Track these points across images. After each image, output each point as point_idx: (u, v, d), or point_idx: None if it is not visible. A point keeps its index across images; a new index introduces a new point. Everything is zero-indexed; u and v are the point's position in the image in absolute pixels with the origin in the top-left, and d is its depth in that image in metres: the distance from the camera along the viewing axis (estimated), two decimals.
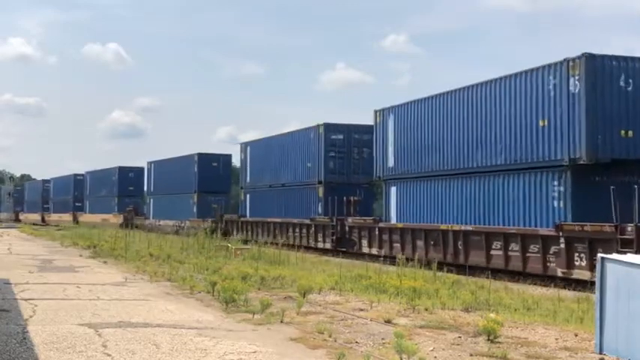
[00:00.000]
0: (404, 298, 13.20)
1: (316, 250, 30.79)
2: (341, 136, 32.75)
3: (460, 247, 22.46)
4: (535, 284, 18.48)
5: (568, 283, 17.94)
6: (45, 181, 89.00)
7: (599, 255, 8.83)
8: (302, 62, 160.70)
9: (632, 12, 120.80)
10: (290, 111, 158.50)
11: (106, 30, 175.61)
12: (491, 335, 9.23)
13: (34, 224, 70.84)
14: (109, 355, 7.96)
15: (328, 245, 30.70)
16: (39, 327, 9.65)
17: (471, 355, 8.38)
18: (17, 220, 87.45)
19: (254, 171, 41.22)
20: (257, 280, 15.86)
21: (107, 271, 18.88)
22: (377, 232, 27.49)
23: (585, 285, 16.11)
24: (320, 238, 31.75)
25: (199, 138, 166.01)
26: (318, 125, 32.99)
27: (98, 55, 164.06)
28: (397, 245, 25.86)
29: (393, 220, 27.15)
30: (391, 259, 22.53)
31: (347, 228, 29.68)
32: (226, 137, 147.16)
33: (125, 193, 64.00)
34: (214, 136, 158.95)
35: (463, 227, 22.56)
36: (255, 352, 8.28)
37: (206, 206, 46.73)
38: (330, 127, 32.86)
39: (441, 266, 19.05)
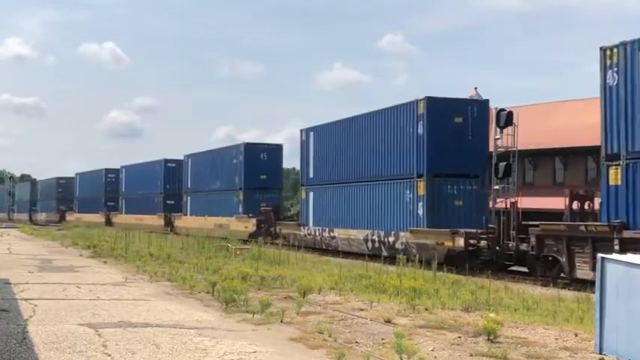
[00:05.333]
0: (404, 298, 13.20)
1: None
2: None
3: None
4: (535, 284, 18.49)
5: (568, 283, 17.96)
6: (109, 171, 65.95)
7: (599, 255, 8.83)
8: (300, 62, 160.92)
9: (631, 11, 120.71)
10: (289, 110, 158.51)
11: (104, 30, 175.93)
12: (491, 335, 9.24)
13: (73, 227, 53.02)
14: (109, 355, 7.96)
15: None
16: (39, 327, 9.64)
17: (471, 355, 8.38)
18: (63, 221, 68.53)
19: None
20: (257, 280, 15.85)
21: (107, 271, 18.88)
22: None
23: None
24: None
25: (198, 138, 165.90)
26: None
27: (97, 54, 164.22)
28: None
29: None
30: (391, 259, 22.41)
31: None
32: (225, 137, 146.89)
33: (255, 184, 40.21)
34: (213, 135, 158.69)
35: None
36: (255, 352, 8.28)
37: (445, 204, 24.28)
38: None
39: (440, 266, 19.04)
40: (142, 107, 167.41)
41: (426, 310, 11.97)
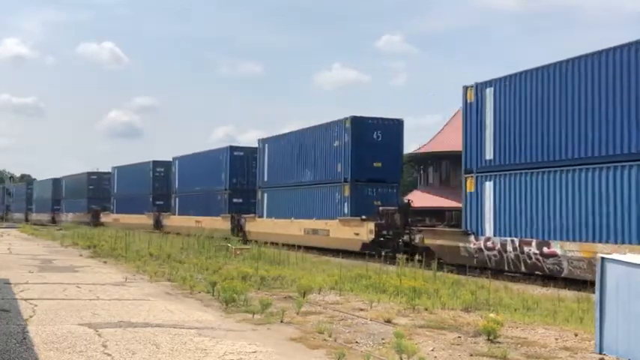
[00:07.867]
0: (404, 298, 13.21)
1: None
2: None
3: None
4: (535, 284, 18.46)
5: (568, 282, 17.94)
6: (157, 164, 54.83)
7: (599, 255, 8.84)
8: (300, 62, 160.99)
9: (630, 11, 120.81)
10: (289, 110, 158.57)
11: (104, 30, 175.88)
12: (491, 335, 9.24)
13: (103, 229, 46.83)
14: (109, 355, 7.96)
15: None
16: (39, 327, 9.64)
17: (471, 355, 8.38)
18: (97, 223, 59.91)
19: None
20: (257, 280, 15.86)
21: (107, 271, 18.88)
22: None
23: None
24: None
25: (197, 138, 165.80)
26: None
27: (96, 54, 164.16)
28: None
29: None
30: (391, 259, 22.39)
31: None
32: (224, 137, 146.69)
33: (366, 175, 29.24)
34: (213, 135, 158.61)
35: None
36: (255, 352, 8.28)
37: None
38: None
39: (440, 266, 19.00)
40: (142, 107, 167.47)
41: (426, 310, 11.97)
